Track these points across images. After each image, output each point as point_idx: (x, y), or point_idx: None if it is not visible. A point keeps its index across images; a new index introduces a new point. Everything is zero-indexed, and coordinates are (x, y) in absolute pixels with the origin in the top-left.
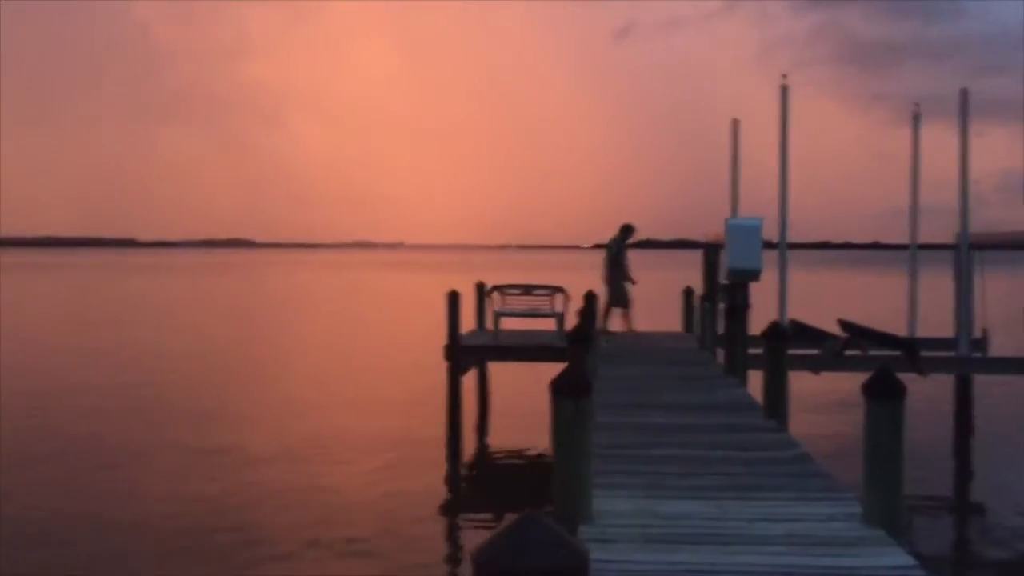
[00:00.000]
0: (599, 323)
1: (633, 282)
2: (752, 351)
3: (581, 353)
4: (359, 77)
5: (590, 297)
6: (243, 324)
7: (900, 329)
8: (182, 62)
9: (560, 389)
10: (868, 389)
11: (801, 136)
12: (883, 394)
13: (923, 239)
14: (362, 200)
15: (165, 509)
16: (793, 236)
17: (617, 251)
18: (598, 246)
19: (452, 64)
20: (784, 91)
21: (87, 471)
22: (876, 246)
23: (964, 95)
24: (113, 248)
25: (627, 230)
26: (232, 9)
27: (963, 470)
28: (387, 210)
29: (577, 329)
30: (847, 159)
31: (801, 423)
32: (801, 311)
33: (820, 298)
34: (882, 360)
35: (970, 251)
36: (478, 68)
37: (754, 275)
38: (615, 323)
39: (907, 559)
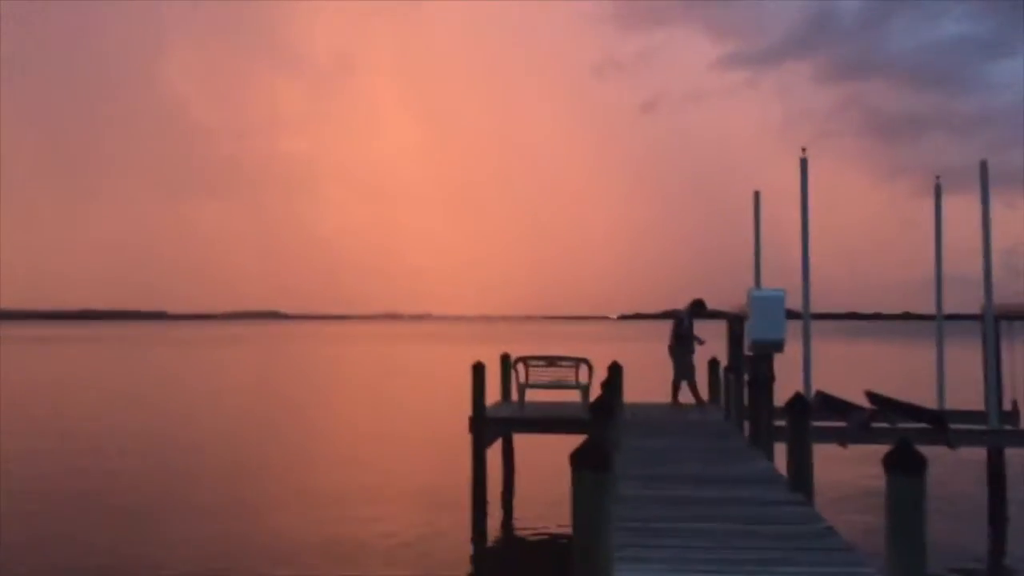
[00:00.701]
0: (672, 397)
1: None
2: (778, 423)
3: (603, 424)
4: (388, 151)
5: (615, 368)
6: (270, 396)
7: (929, 401)
8: (218, 138)
9: (580, 461)
10: (888, 462)
11: (827, 207)
12: (904, 467)
13: (956, 309)
14: (390, 272)
15: None
16: (820, 307)
17: (689, 325)
18: (625, 316)
19: (478, 137)
20: (804, 164)
21: (113, 539)
22: (907, 316)
23: (984, 167)
24: (144, 321)
25: (698, 306)
26: (266, 87)
27: (997, 544)
28: (414, 281)
29: (599, 400)
30: (876, 230)
31: (828, 496)
32: (829, 383)
33: (849, 369)
34: (911, 432)
35: (998, 322)
36: (504, 141)
37: (778, 346)
38: (683, 396)
39: None
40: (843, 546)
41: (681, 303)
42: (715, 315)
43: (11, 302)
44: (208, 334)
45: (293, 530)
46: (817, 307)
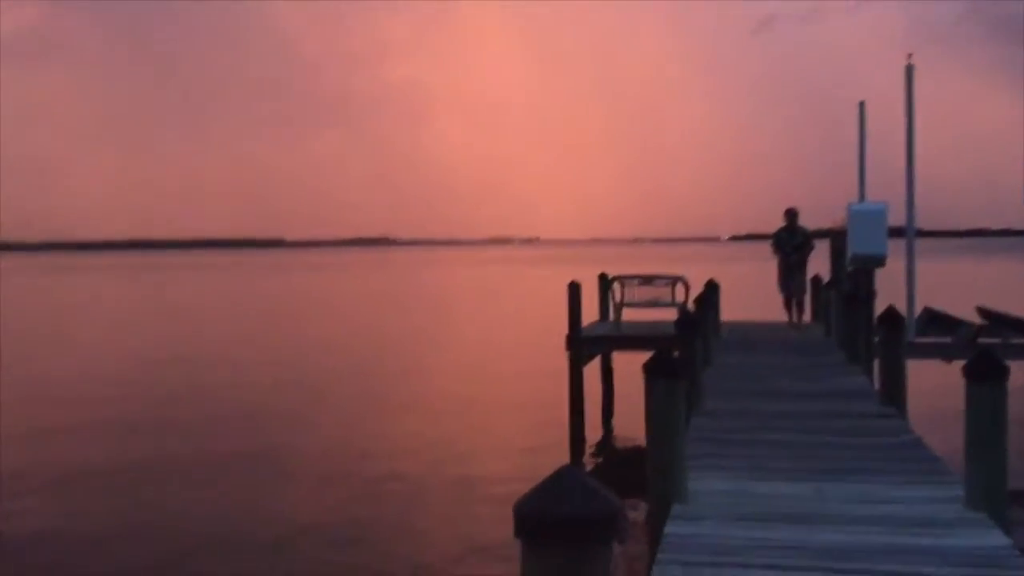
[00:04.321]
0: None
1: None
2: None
3: (689, 338)
4: (495, 79)
5: (711, 285)
6: (382, 318)
7: None
8: (327, 68)
9: (653, 371)
10: (969, 371)
11: (959, 119)
12: (984, 376)
13: None
14: (499, 197)
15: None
16: (944, 223)
17: (783, 240)
18: (736, 237)
19: (584, 61)
20: (909, 71)
21: (233, 455)
22: None
23: None
24: (262, 248)
25: (791, 215)
26: (372, 16)
27: None
28: (523, 206)
29: (686, 315)
30: (1012, 142)
31: (926, 411)
32: (943, 301)
33: (965, 287)
34: (1022, 348)
35: None
36: (610, 65)
37: (878, 261)
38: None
39: (1006, 540)
40: (928, 456)
41: (805, 221)
42: (797, 234)
43: (133, 231)
44: (325, 260)
45: (405, 433)
46: (940, 224)
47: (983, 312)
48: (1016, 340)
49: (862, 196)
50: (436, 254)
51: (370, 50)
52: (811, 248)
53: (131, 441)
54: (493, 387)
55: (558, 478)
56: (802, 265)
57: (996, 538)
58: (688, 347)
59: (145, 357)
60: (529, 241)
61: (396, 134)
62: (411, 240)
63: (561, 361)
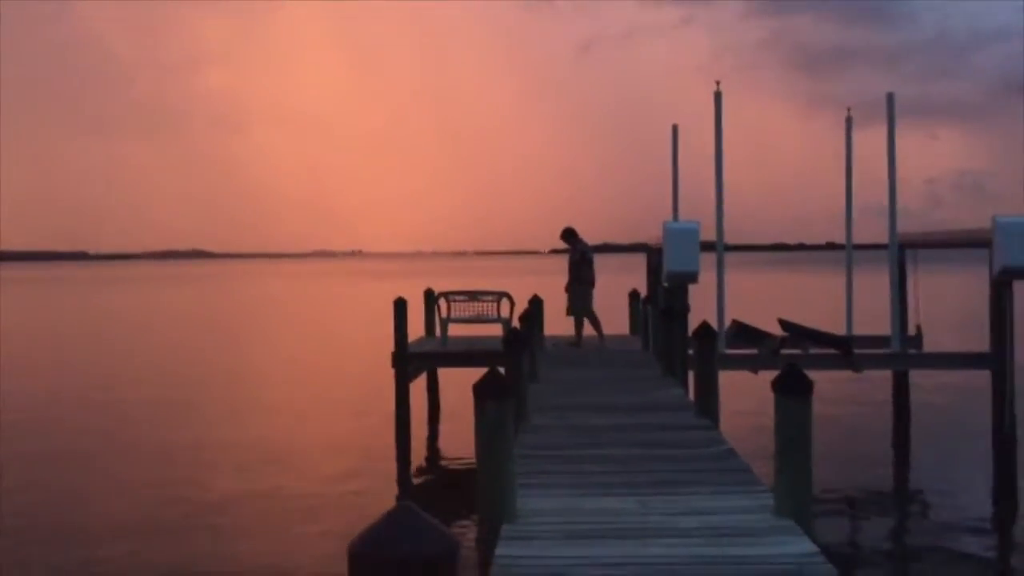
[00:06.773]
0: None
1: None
2: (691, 352)
3: (516, 356)
4: (314, 86)
5: (535, 301)
6: (192, 334)
7: (839, 328)
8: (138, 74)
9: (482, 392)
10: (777, 385)
11: (759, 140)
12: (791, 390)
13: (878, 239)
14: (320, 209)
15: (120, 512)
16: (746, 238)
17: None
18: (556, 251)
19: (408, 74)
20: (718, 97)
21: (38, 480)
22: (830, 247)
23: (890, 99)
24: (64, 261)
25: (565, 235)
26: (187, 20)
27: (900, 463)
28: (345, 219)
29: (513, 333)
30: (805, 161)
31: (736, 421)
32: (748, 313)
33: (768, 300)
34: (820, 358)
35: (903, 251)
36: (434, 79)
37: (691, 277)
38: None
39: (812, 547)
40: (741, 467)
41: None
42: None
43: None
44: (134, 273)
45: (222, 454)
46: (743, 239)
47: (784, 324)
48: (814, 351)
49: (675, 214)
50: (254, 267)
51: (183, 57)
52: (586, 262)
53: None
54: (315, 402)
55: (393, 516)
56: (582, 281)
57: (804, 545)
58: (516, 364)
59: None
60: (352, 254)
61: (210, 145)
62: (228, 253)
63: (386, 377)
